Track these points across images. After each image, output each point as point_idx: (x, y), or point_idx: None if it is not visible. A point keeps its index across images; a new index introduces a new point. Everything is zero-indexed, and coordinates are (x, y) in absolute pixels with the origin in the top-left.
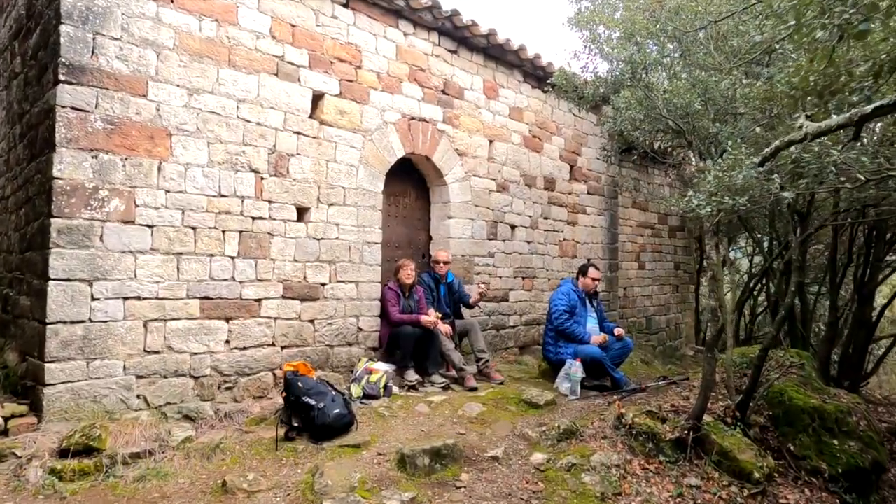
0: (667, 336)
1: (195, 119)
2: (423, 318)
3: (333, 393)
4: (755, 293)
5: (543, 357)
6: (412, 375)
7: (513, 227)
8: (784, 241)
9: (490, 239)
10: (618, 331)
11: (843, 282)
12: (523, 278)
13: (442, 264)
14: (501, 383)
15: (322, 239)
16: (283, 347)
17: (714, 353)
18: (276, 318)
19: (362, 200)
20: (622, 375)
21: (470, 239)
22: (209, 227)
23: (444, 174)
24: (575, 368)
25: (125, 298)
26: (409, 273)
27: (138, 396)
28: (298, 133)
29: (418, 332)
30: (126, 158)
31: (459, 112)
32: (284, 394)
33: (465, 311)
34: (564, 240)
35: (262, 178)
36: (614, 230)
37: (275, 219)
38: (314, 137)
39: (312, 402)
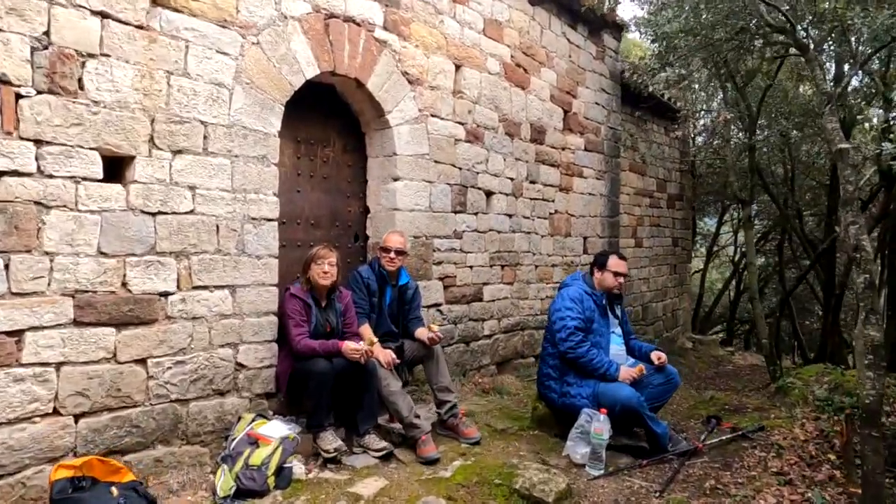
0: (664, 326)
1: None
2: (347, 345)
3: None
4: (741, 269)
5: (539, 395)
6: (330, 440)
7: (489, 193)
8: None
9: (457, 211)
10: (658, 356)
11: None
12: (502, 267)
13: (393, 255)
14: (477, 442)
15: (160, 213)
16: (78, 416)
17: (878, 424)
18: (59, 365)
19: (242, 147)
20: (665, 428)
21: (427, 212)
22: None
23: (387, 111)
24: (598, 426)
25: None
26: (326, 270)
27: None
28: (104, 16)
29: (340, 367)
30: None
31: (410, 15)
32: None
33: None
34: (556, 212)
35: (21, 96)
36: (615, 199)
37: (53, 175)
38: (141, 28)
39: None
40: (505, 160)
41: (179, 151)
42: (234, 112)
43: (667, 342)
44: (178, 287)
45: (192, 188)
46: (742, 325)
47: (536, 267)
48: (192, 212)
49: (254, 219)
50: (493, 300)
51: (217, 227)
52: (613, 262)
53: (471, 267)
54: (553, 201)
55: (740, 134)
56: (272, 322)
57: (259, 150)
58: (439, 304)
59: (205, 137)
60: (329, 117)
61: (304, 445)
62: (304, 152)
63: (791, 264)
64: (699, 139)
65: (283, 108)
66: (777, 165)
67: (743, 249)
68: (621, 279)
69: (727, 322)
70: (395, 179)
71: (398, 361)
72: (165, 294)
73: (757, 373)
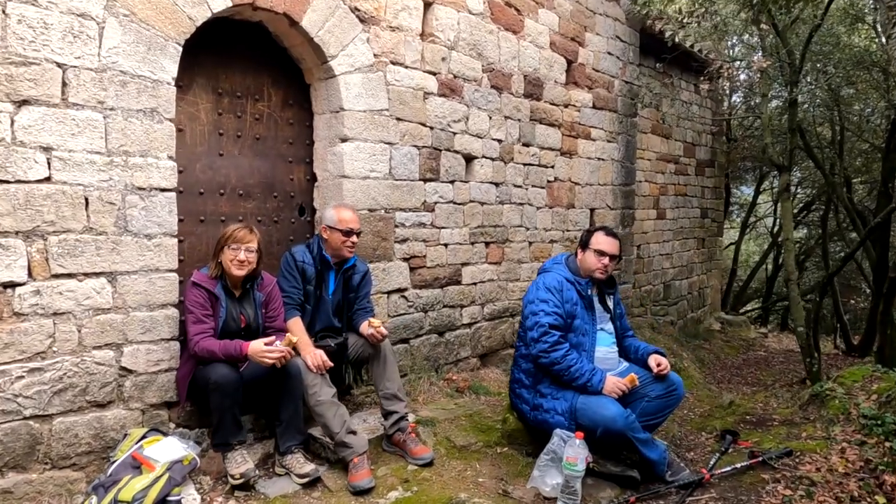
0: (688, 306)
1: None
2: (254, 346)
3: None
4: (779, 241)
5: (511, 405)
6: (238, 463)
7: (469, 158)
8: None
9: (427, 179)
10: (658, 361)
11: None
12: (487, 244)
13: (356, 238)
14: (429, 463)
15: None
16: None
17: None
18: None
19: (120, 98)
20: (662, 453)
21: (386, 179)
22: None
23: (330, 55)
24: (572, 454)
25: None
26: (241, 258)
27: None
28: None
29: (253, 373)
30: None
31: None
32: None
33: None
34: (556, 180)
35: None
36: (630, 164)
37: None
38: None
39: None
40: (491, 118)
41: (25, 102)
42: (108, 52)
43: (692, 323)
44: (29, 276)
45: (46, 150)
46: (781, 301)
47: (530, 244)
48: (47, 180)
49: (141, 189)
50: (475, 283)
51: (86, 199)
52: (600, 240)
53: (445, 245)
54: (552, 167)
55: (780, 88)
56: (171, 316)
57: (145, 101)
58: (404, 290)
59: (64, 84)
60: (262, 64)
61: (216, 464)
62: (228, 107)
63: (836, 237)
64: (735, 98)
65: (179, 49)
66: (823, 126)
67: (782, 221)
68: (606, 260)
69: (763, 298)
70: (344, 140)
71: (331, 365)
72: (11, 285)
73: (791, 361)
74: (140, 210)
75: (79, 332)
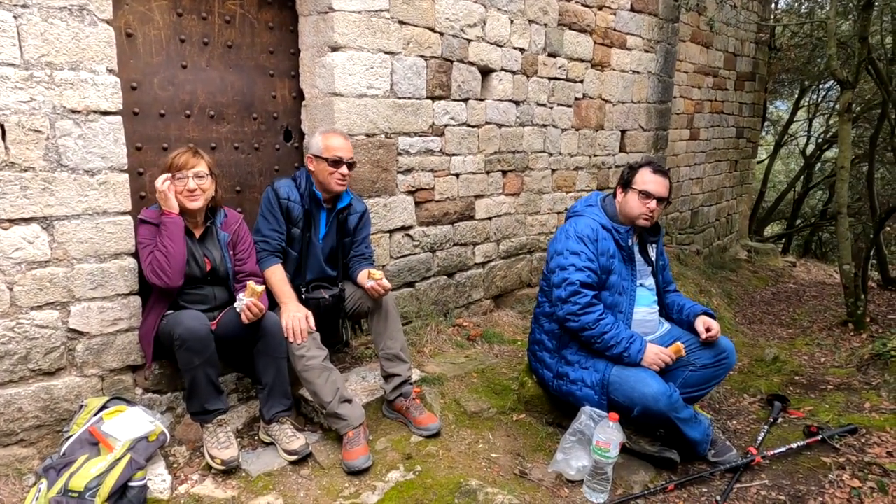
0: (715, 233)
1: None
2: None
3: None
4: (812, 162)
5: (530, 368)
6: (223, 445)
7: (486, 71)
8: None
9: (436, 97)
10: (707, 325)
11: None
12: (504, 173)
13: (346, 170)
14: (434, 434)
15: None
16: None
17: None
18: None
19: None
20: (705, 431)
21: (387, 98)
22: None
23: None
24: (604, 438)
25: None
26: (191, 187)
27: None
28: None
29: (229, 329)
30: None
31: None
32: None
33: (362, 276)
34: (585, 97)
35: None
36: (668, 78)
37: None
38: None
39: None
40: (512, 22)
41: None
42: None
43: (717, 252)
44: None
45: None
46: (807, 225)
47: (553, 171)
48: None
49: (75, 112)
50: (490, 217)
51: (1, 126)
52: (642, 178)
53: (457, 175)
54: (581, 82)
55: None
56: (126, 268)
57: None
58: (408, 227)
59: None
60: None
61: (193, 431)
62: (189, 6)
63: (883, 159)
64: (781, 2)
65: None
66: (886, 34)
67: (819, 140)
68: (652, 204)
69: (787, 222)
70: (335, 49)
71: (313, 330)
72: None
73: (824, 296)
74: (76, 139)
75: (10, 290)
